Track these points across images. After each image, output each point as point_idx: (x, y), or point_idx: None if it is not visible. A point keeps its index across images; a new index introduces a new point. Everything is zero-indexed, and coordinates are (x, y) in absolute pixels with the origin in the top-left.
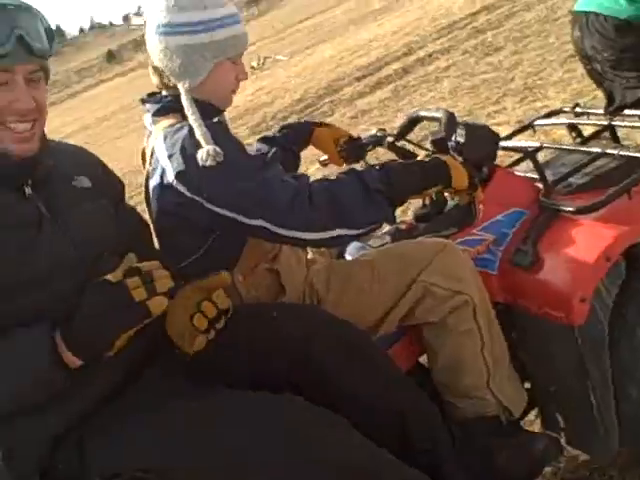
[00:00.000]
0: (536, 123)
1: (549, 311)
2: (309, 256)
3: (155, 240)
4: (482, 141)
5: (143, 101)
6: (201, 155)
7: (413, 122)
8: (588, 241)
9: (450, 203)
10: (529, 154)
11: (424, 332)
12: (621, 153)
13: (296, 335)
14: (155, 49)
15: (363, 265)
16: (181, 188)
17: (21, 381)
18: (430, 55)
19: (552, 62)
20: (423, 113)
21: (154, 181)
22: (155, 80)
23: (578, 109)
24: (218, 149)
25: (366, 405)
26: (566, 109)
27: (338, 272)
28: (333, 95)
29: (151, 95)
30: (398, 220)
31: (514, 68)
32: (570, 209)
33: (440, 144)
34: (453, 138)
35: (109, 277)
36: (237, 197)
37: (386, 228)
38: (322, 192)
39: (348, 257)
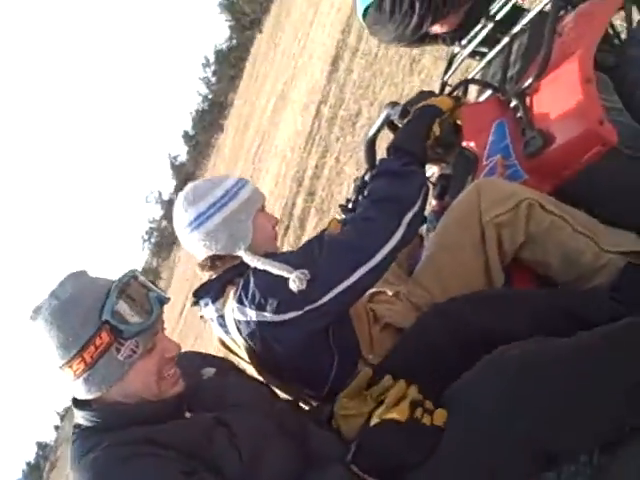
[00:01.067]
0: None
1: (589, 156)
2: (390, 293)
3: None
4: (422, 96)
5: (196, 302)
6: (294, 285)
7: (371, 146)
8: (564, 85)
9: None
10: (468, 80)
11: (524, 258)
12: (522, 25)
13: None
14: (197, 245)
15: (436, 253)
16: (292, 314)
17: None
18: (316, 171)
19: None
20: (372, 131)
21: (261, 341)
22: (206, 275)
23: (463, 42)
24: (302, 270)
25: (542, 328)
26: (456, 49)
27: (425, 275)
28: None
29: (198, 291)
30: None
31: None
32: (530, 81)
33: (405, 114)
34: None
35: (395, 416)
36: (331, 274)
37: (424, 227)
38: (369, 208)
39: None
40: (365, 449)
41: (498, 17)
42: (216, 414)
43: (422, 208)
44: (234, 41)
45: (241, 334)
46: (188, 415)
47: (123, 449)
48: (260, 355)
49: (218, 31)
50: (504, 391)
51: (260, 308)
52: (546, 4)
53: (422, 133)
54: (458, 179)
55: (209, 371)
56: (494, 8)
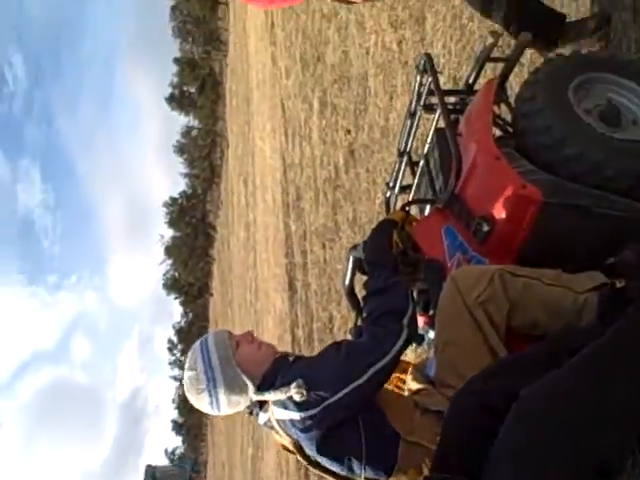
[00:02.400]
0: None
1: (527, 219)
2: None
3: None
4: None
5: (250, 412)
6: (297, 397)
7: (351, 293)
8: (480, 172)
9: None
10: (407, 203)
11: (516, 325)
12: (429, 144)
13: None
14: (225, 400)
15: (444, 351)
16: (313, 411)
17: None
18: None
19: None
20: (347, 280)
21: (297, 435)
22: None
23: (391, 184)
24: (298, 382)
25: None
26: (388, 193)
27: (444, 374)
28: None
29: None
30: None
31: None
32: (452, 181)
33: None
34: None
35: None
36: (345, 374)
37: (425, 342)
38: (374, 325)
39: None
40: None
41: (407, 149)
42: None
43: (414, 306)
44: (190, 314)
45: (283, 431)
46: None
47: None
48: (302, 447)
49: (173, 313)
50: (532, 425)
51: (287, 407)
52: (437, 120)
53: (385, 243)
54: (434, 288)
55: None
56: (401, 144)
